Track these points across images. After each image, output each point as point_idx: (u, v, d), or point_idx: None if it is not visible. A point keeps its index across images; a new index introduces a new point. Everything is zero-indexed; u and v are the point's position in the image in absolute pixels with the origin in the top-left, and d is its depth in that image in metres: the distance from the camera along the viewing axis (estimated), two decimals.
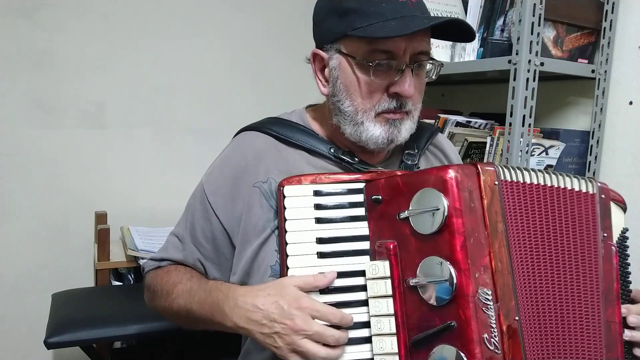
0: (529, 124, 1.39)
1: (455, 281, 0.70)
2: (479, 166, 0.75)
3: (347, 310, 0.77)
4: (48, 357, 2.00)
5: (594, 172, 1.56)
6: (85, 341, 1.44)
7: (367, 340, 0.77)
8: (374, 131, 0.87)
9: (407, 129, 0.90)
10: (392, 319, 0.76)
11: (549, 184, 0.81)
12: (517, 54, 1.36)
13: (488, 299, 0.71)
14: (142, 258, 1.70)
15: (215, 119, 2.18)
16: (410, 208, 0.75)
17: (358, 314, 0.78)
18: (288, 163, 0.91)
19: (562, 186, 0.82)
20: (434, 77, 0.91)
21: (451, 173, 0.73)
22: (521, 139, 1.39)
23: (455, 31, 0.87)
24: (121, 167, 2.05)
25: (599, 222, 0.84)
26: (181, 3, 2.08)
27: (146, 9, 2.03)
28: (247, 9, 2.19)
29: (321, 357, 0.74)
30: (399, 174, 0.81)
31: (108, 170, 2.03)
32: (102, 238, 1.75)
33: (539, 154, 1.47)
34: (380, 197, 0.80)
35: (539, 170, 0.82)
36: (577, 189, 0.83)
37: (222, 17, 2.16)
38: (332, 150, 0.93)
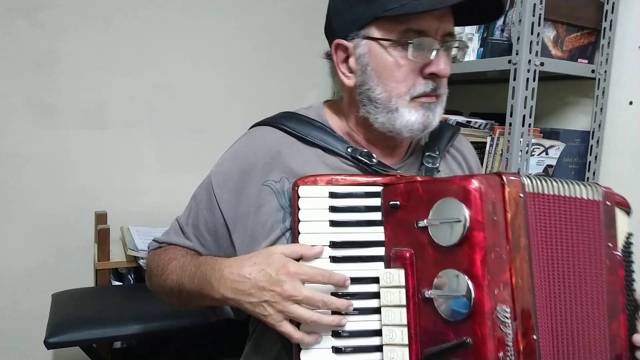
0: (529, 124, 1.39)
1: (473, 297, 0.68)
2: (503, 177, 0.72)
3: (358, 317, 0.76)
4: (48, 357, 2.00)
5: (594, 172, 1.56)
6: (85, 341, 1.44)
7: (378, 348, 0.75)
8: (410, 117, 0.84)
9: (439, 114, 0.87)
10: (405, 329, 0.73)
11: (568, 195, 0.78)
12: (517, 54, 1.36)
13: (506, 317, 0.68)
14: (142, 258, 1.70)
15: (215, 119, 2.18)
16: (429, 217, 0.72)
17: (369, 322, 0.76)
18: (302, 162, 0.88)
19: (572, 195, 0.79)
20: (461, 59, 0.89)
21: (475, 183, 0.70)
22: (521, 139, 1.39)
23: (482, 9, 0.83)
24: (121, 167, 2.05)
25: (604, 231, 0.81)
26: (181, 3, 2.09)
27: (146, 9, 2.03)
28: (247, 9, 2.19)
29: (313, 321, 0.73)
30: (419, 179, 0.78)
31: (108, 170, 2.03)
32: (102, 238, 1.75)
33: (539, 154, 1.47)
34: (398, 202, 0.77)
35: (557, 180, 0.79)
36: (584, 197, 0.80)
37: (221, 17, 2.16)
38: (349, 150, 0.89)
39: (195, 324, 1.51)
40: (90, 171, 2.01)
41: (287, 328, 0.74)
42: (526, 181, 0.74)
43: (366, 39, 0.84)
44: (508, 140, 1.40)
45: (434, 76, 0.84)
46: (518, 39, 1.36)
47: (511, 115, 1.39)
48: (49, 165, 1.95)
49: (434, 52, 0.82)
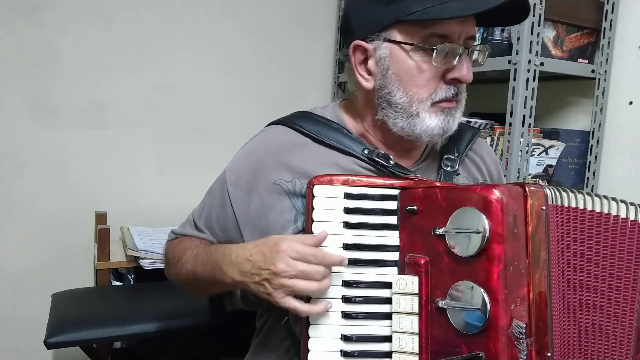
0: (529, 124, 1.39)
1: (488, 311, 0.67)
2: (526, 188, 0.70)
3: (368, 322, 0.76)
4: (48, 357, 2.00)
5: (594, 172, 1.56)
6: (85, 341, 1.44)
7: (387, 355, 0.75)
8: (430, 122, 0.83)
9: (458, 118, 0.87)
10: (416, 338, 0.73)
11: (597, 210, 0.75)
12: (517, 54, 1.37)
13: (521, 333, 0.67)
14: (142, 258, 1.70)
15: (215, 119, 2.18)
16: (447, 225, 0.71)
17: (380, 327, 0.76)
18: (314, 163, 0.88)
19: (606, 212, 0.76)
20: (482, 62, 0.87)
21: (496, 194, 0.68)
22: (521, 139, 1.39)
23: (507, 13, 0.81)
24: (121, 167, 2.05)
25: None
26: (181, 3, 2.08)
27: (146, 9, 2.03)
28: (247, 9, 2.19)
29: (313, 290, 0.74)
30: (438, 185, 0.77)
31: (108, 170, 2.03)
32: (102, 238, 1.75)
33: (539, 154, 1.47)
34: (415, 207, 0.76)
35: (587, 193, 0.77)
36: (623, 215, 0.76)
37: (221, 17, 2.16)
38: (365, 152, 0.88)
39: (195, 324, 1.51)
40: (90, 171, 2.01)
41: (291, 303, 0.75)
42: (549, 192, 0.72)
43: (387, 42, 0.82)
44: (508, 140, 1.40)
45: (455, 81, 0.83)
46: (518, 39, 1.36)
47: (511, 115, 1.39)
48: (49, 165, 1.95)
49: (457, 57, 0.81)
